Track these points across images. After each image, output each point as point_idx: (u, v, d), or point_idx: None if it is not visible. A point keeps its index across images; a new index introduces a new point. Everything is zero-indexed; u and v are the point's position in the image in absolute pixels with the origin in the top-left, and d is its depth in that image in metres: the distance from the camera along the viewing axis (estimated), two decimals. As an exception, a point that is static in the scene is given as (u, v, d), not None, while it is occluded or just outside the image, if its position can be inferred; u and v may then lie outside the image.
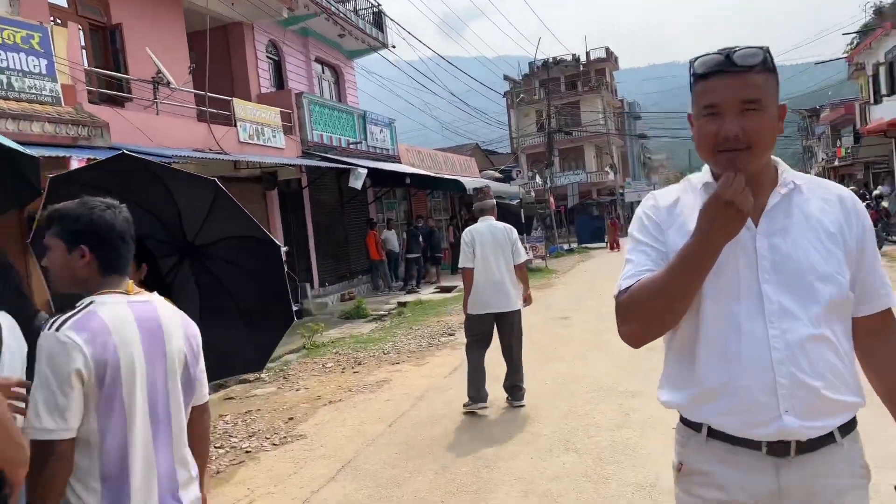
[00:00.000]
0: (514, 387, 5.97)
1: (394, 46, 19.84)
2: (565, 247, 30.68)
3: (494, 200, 6.59)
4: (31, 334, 2.48)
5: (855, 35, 32.91)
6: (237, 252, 3.08)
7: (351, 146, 16.81)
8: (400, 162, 19.91)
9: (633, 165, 60.45)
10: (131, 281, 2.35)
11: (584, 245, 32.73)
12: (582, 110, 49.91)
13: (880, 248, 16.14)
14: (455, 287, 16.92)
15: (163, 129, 10.58)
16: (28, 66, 8.33)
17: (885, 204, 19.15)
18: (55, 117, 8.46)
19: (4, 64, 7.96)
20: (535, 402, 5.93)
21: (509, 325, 6.04)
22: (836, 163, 47.44)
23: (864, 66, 42.47)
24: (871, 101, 28.00)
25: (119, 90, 10.93)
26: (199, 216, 2.98)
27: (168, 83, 10.78)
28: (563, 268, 21.11)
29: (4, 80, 7.93)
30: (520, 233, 20.79)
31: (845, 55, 33.09)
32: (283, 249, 13.10)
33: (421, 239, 18.00)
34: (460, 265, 6.09)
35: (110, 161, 2.62)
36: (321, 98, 16.56)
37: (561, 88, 52.00)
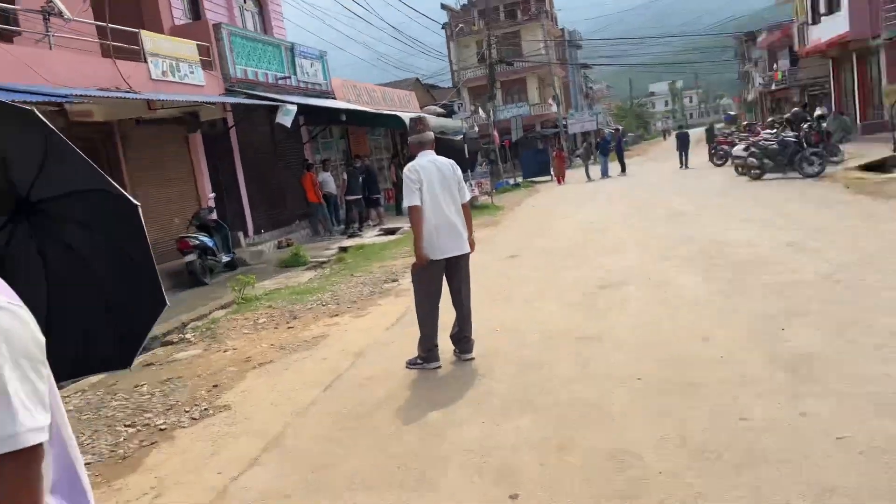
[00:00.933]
0: (463, 338, 5.41)
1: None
2: (511, 181, 30.17)
3: (433, 133, 5.81)
4: None
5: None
6: (90, 211, 2.31)
7: (279, 81, 15.66)
8: (335, 98, 18.81)
9: (574, 96, 59.88)
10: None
11: (529, 179, 32.26)
12: (523, 40, 48.73)
13: (822, 170, 16.11)
14: (399, 228, 16.25)
15: (58, 65, 9.38)
16: None
17: (825, 125, 19.08)
18: (-81, 53, 7.29)
19: None
20: (485, 354, 5.39)
21: (461, 269, 5.42)
22: (773, 87, 47.88)
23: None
24: (810, 21, 27.83)
25: (5, 23, 9.60)
26: (31, 162, 2.21)
27: (60, 13, 9.51)
28: (509, 204, 20.61)
29: None
30: (464, 169, 20.02)
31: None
32: (210, 196, 12.14)
33: (361, 179, 17.13)
34: (406, 204, 5.26)
35: None
36: (243, 29, 15.24)
37: (500, 18, 50.57)
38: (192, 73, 12.35)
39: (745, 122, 37.92)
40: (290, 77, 15.96)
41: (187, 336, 7.61)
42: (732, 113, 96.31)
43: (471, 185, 19.00)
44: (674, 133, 32.00)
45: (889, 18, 20.66)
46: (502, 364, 5.13)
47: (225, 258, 12.40)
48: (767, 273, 6.68)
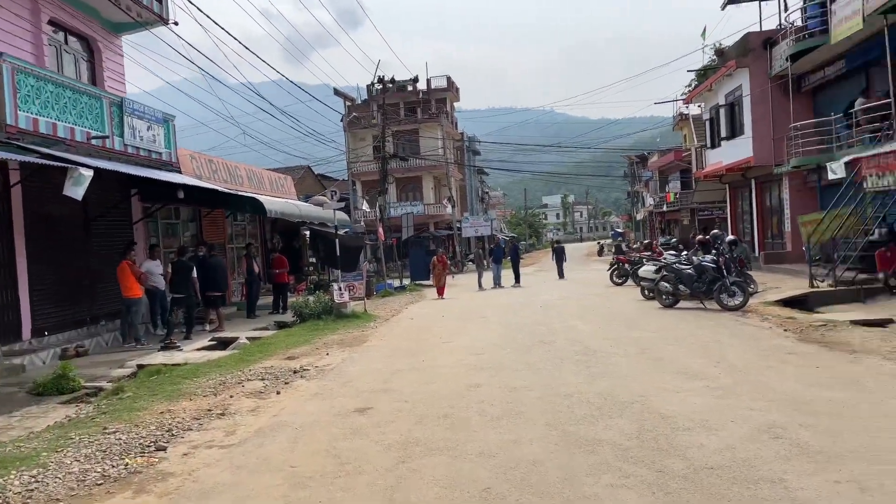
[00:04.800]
0: None
1: (176, 23, 15.37)
2: (395, 284, 27.15)
3: None
4: None
5: (693, 78, 32.85)
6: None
7: (93, 141, 12.13)
8: (179, 171, 15.37)
9: (471, 200, 58.87)
10: None
11: (417, 282, 29.39)
12: (421, 136, 47.36)
13: (745, 303, 14.04)
14: (235, 339, 12.64)
15: None
16: None
17: (736, 252, 17.42)
18: None
19: None
20: None
21: None
22: (665, 208, 48.47)
23: (688, 117, 43.63)
24: (709, 144, 27.39)
25: None
26: None
27: None
28: (386, 312, 17.42)
29: None
30: (335, 266, 16.73)
31: (683, 97, 32.92)
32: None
33: (195, 272, 13.47)
34: None
35: None
36: (43, 69, 11.70)
37: (400, 114, 49.24)
38: (-67, 109, 8.67)
39: (647, 241, 37.29)
40: (109, 136, 12.47)
41: None
42: (620, 230, 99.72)
43: (340, 287, 15.79)
44: (551, 248, 34.52)
45: (796, 146, 19.85)
46: None
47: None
48: (776, 512, 3.76)
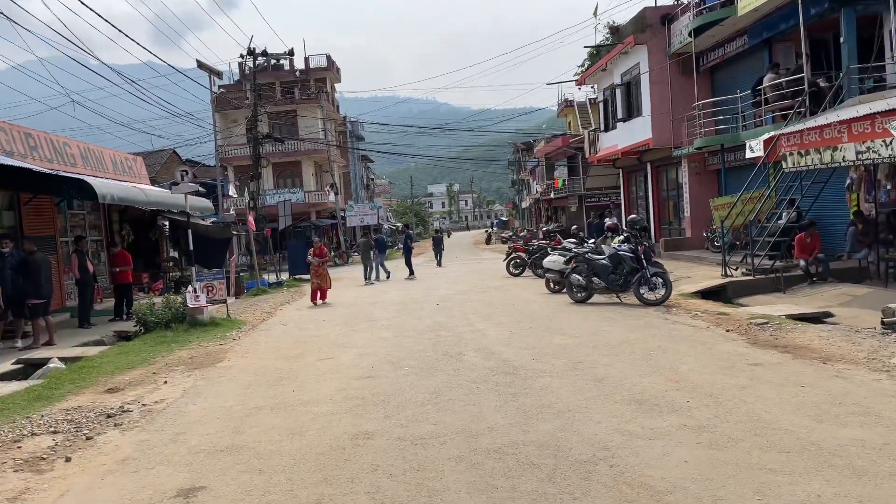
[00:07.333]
0: None
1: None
2: (270, 280, 24.23)
3: None
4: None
5: (586, 59, 31.88)
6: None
7: None
8: (-23, 145, 11.99)
9: (355, 187, 56.11)
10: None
11: (297, 276, 26.54)
12: (300, 117, 44.06)
13: (667, 297, 12.41)
14: (47, 361, 9.65)
15: None
16: None
17: (645, 241, 16.10)
18: None
19: None
20: None
21: None
22: (552, 195, 47.95)
23: (573, 104, 43.08)
24: (602, 128, 26.36)
25: None
26: None
27: None
28: (256, 316, 14.75)
29: None
30: (197, 262, 13.86)
31: (576, 78, 31.90)
32: None
33: (10, 274, 10.31)
34: None
35: None
36: None
37: (276, 94, 45.64)
38: None
39: (546, 228, 36.25)
40: None
41: None
42: (504, 218, 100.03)
43: (195, 288, 13.02)
44: (432, 237, 36.90)
45: (698, 126, 18.87)
46: None
47: None
48: None
